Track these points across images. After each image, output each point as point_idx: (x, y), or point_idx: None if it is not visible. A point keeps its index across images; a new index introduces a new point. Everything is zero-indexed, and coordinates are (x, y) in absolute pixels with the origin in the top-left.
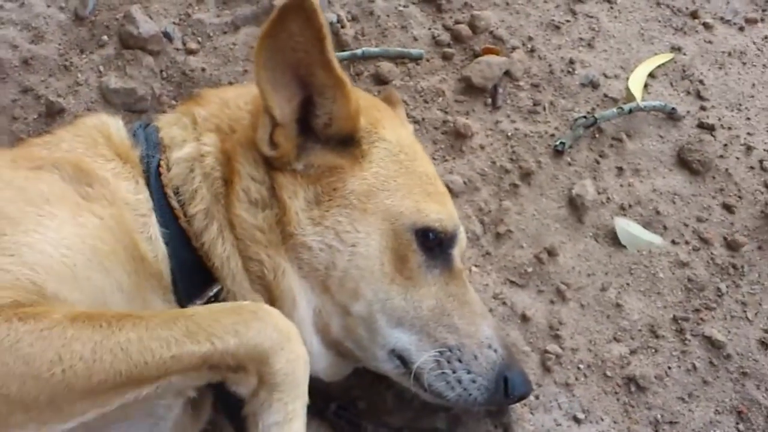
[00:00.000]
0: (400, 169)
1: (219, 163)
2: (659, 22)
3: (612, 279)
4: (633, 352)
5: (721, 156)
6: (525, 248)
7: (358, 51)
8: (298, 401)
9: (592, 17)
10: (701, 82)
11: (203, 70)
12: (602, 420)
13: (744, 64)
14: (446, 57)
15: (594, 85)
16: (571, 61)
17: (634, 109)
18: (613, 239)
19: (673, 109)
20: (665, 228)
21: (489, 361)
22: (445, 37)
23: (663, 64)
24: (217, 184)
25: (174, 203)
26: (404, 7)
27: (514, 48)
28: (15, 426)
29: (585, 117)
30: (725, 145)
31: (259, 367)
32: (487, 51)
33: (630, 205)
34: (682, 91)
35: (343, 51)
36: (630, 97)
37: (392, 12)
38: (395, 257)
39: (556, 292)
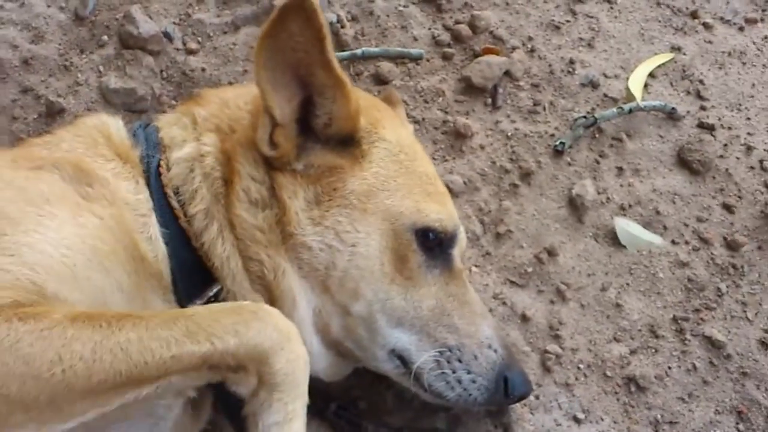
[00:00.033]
0: (400, 169)
1: (219, 163)
2: (659, 22)
3: (612, 279)
4: (633, 352)
5: (721, 156)
6: (525, 248)
7: (358, 51)
8: (298, 401)
9: (592, 17)
10: (701, 82)
11: (203, 70)
12: (602, 420)
13: (744, 64)
14: (446, 57)
15: (594, 85)
16: (571, 61)
17: (634, 109)
18: (613, 239)
19: (673, 109)
20: (665, 228)
21: (489, 361)
22: (445, 37)
23: (663, 64)
24: (217, 184)
25: (174, 203)
26: (404, 7)
27: (514, 48)
28: (15, 426)
29: (585, 117)
30: (725, 145)
31: (259, 367)
32: (487, 51)
33: (630, 205)
34: (682, 91)
35: (343, 51)
36: (630, 97)
37: (392, 12)
38: (395, 257)
39: (556, 292)
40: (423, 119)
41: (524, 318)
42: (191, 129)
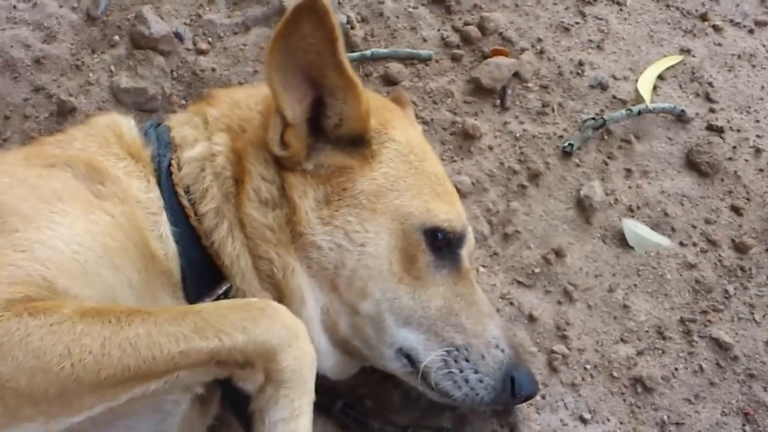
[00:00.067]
0: (409, 169)
1: (230, 162)
2: (668, 24)
3: (619, 280)
4: (640, 353)
5: (730, 158)
6: (532, 249)
7: (368, 52)
8: (305, 398)
9: (601, 19)
10: (710, 84)
11: (213, 70)
12: (608, 420)
13: (753, 66)
14: (455, 58)
15: (603, 87)
16: (580, 63)
17: (643, 110)
18: (621, 240)
19: (682, 111)
20: (673, 230)
21: (496, 360)
22: (455, 38)
23: (672, 66)
24: (227, 184)
25: (185, 202)
26: (414, 8)
27: (523, 49)
28: (24, 419)
29: (594, 118)
30: (734, 147)
31: (267, 364)
32: (496, 52)
33: (638, 207)
34: (691, 93)
35: (353, 52)
36: (639, 98)
37: (402, 13)
38: (404, 257)
39: (563, 292)
40: (432, 120)
41: (531, 318)
42: (202, 128)
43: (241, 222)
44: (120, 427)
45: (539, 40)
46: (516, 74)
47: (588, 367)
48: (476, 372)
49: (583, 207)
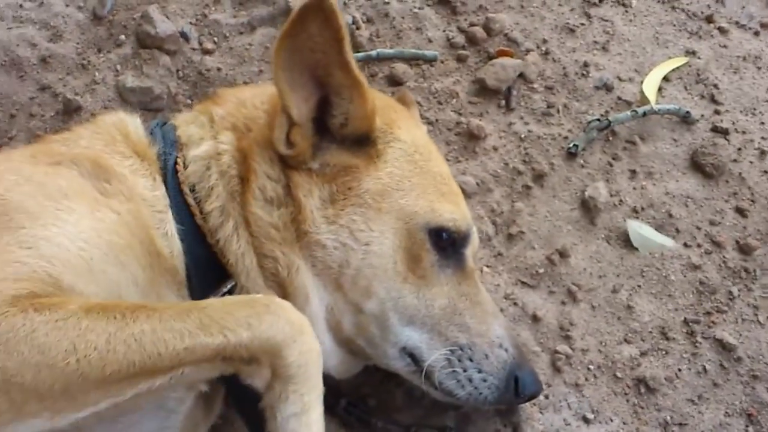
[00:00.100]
0: (414, 169)
1: (235, 161)
2: (674, 26)
3: (623, 281)
4: (643, 353)
5: (735, 160)
6: (537, 249)
7: (373, 52)
8: (314, 392)
9: (606, 21)
10: (716, 86)
11: (219, 69)
12: (611, 420)
13: (759, 68)
14: (460, 59)
15: (608, 88)
16: (586, 64)
17: (648, 112)
18: (625, 241)
19: (687, 112)
20: (677, 231)
21: (500, 360)
22: (460, 39)
23: (677, 67)
24: (233, 182)
25: (190, 200)
26: (419, 9)
27: (528, 50)
28: (29, 414)
29: (599, 119)
30: (739, 149)
31: (272, 360)
32: (502, 53)
33: (642, 208)
34: (696, 94)
35: (358, 52)
36: (644, 100)
37: (407, 14)
38: (408, 256)
39: (567, 293)
40: (437, 120)
41: (535, 318)
42: (208, 127)
43: (246, 220)
44: (125, 423)
45: (544, 41)
46: (521, 75)
47: (591, 367)
48: (480, 371)
49: (588, 208)
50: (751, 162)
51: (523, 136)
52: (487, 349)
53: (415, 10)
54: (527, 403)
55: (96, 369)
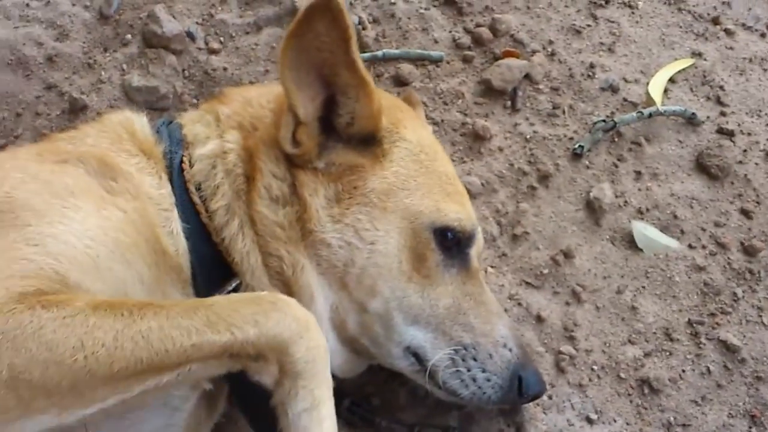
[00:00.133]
0: (420, 168)
1: (241, 160)
2: (680, 27)
3: (628, 282)
4: (647, 354)
5: (740, 161)
6: (541, 250)
7: (379, 52)
8: (324, 386)
9: (613, 22)
10: (721, 87)
11: (225, 69)
12: (615, 421)
13: (765, 70)
14: (466, 59)
15: (614, 90)
16: (592, 65)
17: (653, 113)
18: (630, 242)
19: (693, 114)
20: (682, 232)
21: (504, 360)
22: (466, 39)
23: (683, 69)
24: (238, 181)
25: (196, 199)
26: (425, 9)
27: (534, 51)
28: (36, 411)
29: (604, 121)
30: (744, 150)
31: (280, 357)
32: (508, 54)
33: (647, 209)
34: (702, 96)
35: (364, 52)
36: (650, 101)
37: (413, 14)
38: (413, 256)
39: (571, 293)
40: (442, 121)
41: (539, 319)
42: (214, 126)
43: (252, 219)
44: (132, 420)
45: (551, 42)
46: (527, 76)
47: (595, 367)
48: (484, 371)
49: (593, 209)
50: (756, 164)
51: (528, 136)
52: (491, 348)
53: (422, 11)
54: (531, 403)
55: (103, 366)
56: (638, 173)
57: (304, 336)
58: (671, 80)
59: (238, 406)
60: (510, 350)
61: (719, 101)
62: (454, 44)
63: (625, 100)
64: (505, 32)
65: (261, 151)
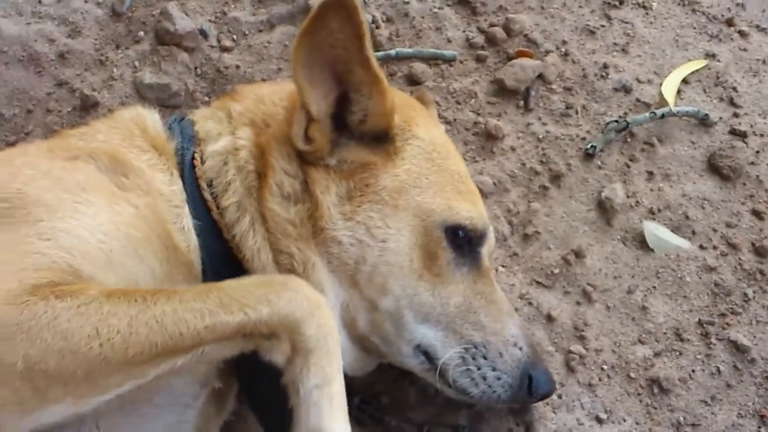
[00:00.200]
0: (432, 166)
1: (253, 156)
2: (694, 28)
3: (639, 282)
4: (657, 354)
5: (752, 163)
6: (552, 249)
7: (392, 51)
8: (334, 364)
9: (627, 23)
10: (735, 89)
11: (237, 67)
12: (624, 421)
13: None
14: (480, 59)
15: (627, 90)
16: (605, 66)
17: (666, 114)
18: (641, 242)
19: (705, 115)
20: (694, 233)
21: (514, 359)
22: (479, 39)
23: (697, 70)
24: (250, 178)
25: (207, 195)
26: (439, 8)
27: (547, 51)
28: (52, 401)
29: (617, 121)
30: (757, 152)
31: (292, 336)
32: (521, 54)
33: (659, 210)
34: (715, 97)
35: (378, 51)
36: (663, 102)
37: (427, 13)
38: (424, 254)
39: (582, 293)
40: (455, 120)
41: (550, 318)
42: (226, 123)
43: (263, 216)
44: (146, 417)
45: (564, 42)
46: (540, 76)
47: (605, 367)
48: (494, 369)
49: (604, 209)
50: None
51: (541, 136)
52: (502, 347)
53: (435, 10)
54: (540, 403)
55: (119, 352)
56: (650, 174)
57: (315, 314)
58: (684, 81)
59: (248, 404)
60: (520, 349)
61: (732, 102)
62: (467, 44)
63: (638, 100)
64: (519, 32)
65: (273, 148)
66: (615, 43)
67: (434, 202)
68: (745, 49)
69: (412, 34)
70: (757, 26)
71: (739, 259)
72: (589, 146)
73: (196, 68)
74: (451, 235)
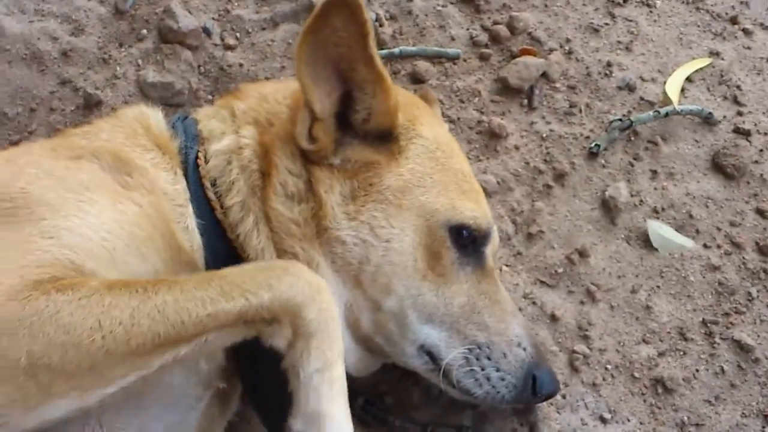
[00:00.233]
0: (436, 166)
1: (256, 155)
2: (698, 27)
3: (642, 281)
4: (661, 354)
5: (756, 161)
6: (556, 249)
7: (396, 50)
8: (335, 347)
9: (630, 21)
10: (738, 87)
11: (241, 65)
12: (628, 420)
13: None
14: (483, 57)
15: (630, 88)
16: (609, 64)
17: (670, 112)
18: (645, 242)
19: (709, 113)
20: (697, 232)
21: (518, 359)
22: (483, 37)
23: (701, 68)
24: (254, 177)
25: (211, 195)
26: (442, 6)
27: (551, 50)
28: (57, 395)
29: (621, 120)
30: (761, 150)
31: (293, 320)
32: (525, 52)
33: (663, 208)
34: (719, 96)
35: (381, 49)
36: (667, 100)
37: (430, 11)
38: (428, 254)
39: (586, 293)
40: (458, 119)
41: (553, 318)
42: (230, 122)
43: (267, 216)
44: (149, 416)
45: (568, 40)
46: (544, 74)
47: (609, 367)
48: (498, 370)
49: (608, 208)
50: None
51: (544, 135)
52: (506, 347)
53: (439, 8)
54: (544, 403)
55: (122, 343)
56: (654, 172)
57: (316, 298)
58: (688, 79)
59: (252, 405)
60: (524, 349)
61: (736, 101)
62: (471, 42)
63: (641, 99)
64: (523, 30)
65: (276, 147)
66: (619, 42)
67: (438, 201)
68: (749, 48)
69: (416, 32)
70: (761, 24)
71: (743, 258)
72: (592, 145)
73: (199, 66)
74: (455, 234)
